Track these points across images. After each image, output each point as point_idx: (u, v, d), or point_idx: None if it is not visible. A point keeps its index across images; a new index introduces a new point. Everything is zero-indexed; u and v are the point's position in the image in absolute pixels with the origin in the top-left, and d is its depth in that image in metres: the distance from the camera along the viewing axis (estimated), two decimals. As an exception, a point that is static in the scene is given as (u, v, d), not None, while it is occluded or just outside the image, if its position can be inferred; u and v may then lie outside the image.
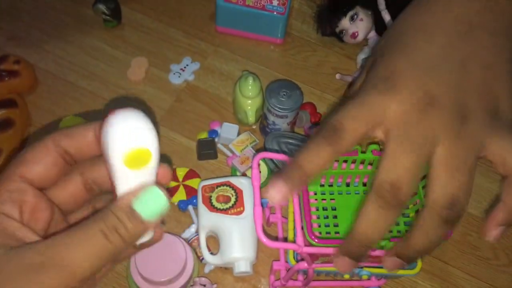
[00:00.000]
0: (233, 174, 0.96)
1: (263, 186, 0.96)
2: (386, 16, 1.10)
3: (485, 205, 0.98)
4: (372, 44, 1.12)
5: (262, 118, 1.00)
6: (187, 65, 1.11)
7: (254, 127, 1.03)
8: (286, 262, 0.79)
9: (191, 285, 0.81)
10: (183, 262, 0.80)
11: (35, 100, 1.04)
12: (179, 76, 1.09)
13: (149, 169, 0.37)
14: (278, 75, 1.12)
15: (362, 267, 0.77)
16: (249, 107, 0.98)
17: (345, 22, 1.12)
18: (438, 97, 0.42)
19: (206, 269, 0.86)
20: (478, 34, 0.45)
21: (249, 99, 0.97)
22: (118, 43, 1.14)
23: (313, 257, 0.71)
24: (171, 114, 1.05)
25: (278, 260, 0.82)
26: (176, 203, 0.92)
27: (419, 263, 0.76)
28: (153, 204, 0.38)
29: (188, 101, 1.07)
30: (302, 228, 0.68)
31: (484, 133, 0.42)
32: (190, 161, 0.99)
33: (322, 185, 0.84)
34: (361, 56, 1.13)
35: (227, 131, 0.99)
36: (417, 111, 0.42)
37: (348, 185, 0.84)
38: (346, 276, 0.84)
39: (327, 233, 0.79)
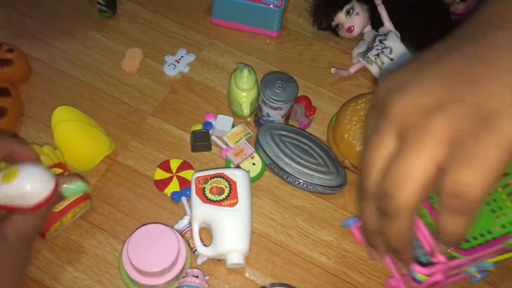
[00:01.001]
0: (227, 166, 0.96)
1: (257, 179, 0.96)
2: (382, 11, 1.10)
3: None
4: (369, 38, 1.12)
5: (256, 110, 1.00)
6: (182, 56, 1.10)
7: (248, 119, 1.02)
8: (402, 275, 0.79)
9: (184, 276, 0.81)
10: (175, 253, 0.79)
11: (28, 89, 1.03)
12: (174, 68, 1.08)
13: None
14: (273, 68, 1.11)
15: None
16: (244, 99, 0.98)
17: (341, 16, 1.12)
18: None
19: (199, 261, 0.86)
20: None
21: (244, 91, 0.97)
22: (112, 33, 1.13)
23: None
24: (165, 106, 1.04)
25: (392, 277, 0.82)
26: (169, 195, 0.92)
27: None
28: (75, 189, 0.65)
29: (182, 93, 1.06)
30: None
31: None
32: (184, 153, 0.98)
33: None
34: (357, 51, 1.13)
35: (222, 123, 0.99)
36: None
37: None
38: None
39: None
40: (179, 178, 0.94)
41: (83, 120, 0.94)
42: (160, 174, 0.94)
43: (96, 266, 0.85)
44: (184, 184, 0.93)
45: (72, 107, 0.95)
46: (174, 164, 0.95)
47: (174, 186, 0.93)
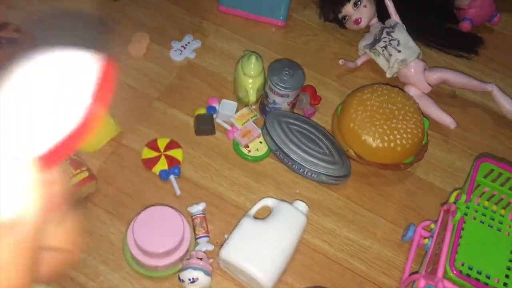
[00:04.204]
0: (235, 147, 0.97)
1: (260, 159, 0.97)
2: (389, 3, 1.11)
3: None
4: (375, 30, 1.12)
5: (262, 97, 1.00)
6: (188, 42, 1.10)
7: (254, 106, 1.03)
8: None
9: (188, 258, 0.81)
10: (180, 235, 0.80)
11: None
12: (180, 53, 1.08)
13: None
14: (278, 57, 1.11)
15: None
16: (251, 86, 0.98)
17: (348, 8, 1.12)
18: None
19: (203, 248, 0.86)
20: None
21: (251, 77, 0.97)
22: (120, 17, 1.12)
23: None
24: (171, 90, 1.04)
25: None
26: (157, 173, 0.92)
27: None
28: None
29: (188, 78, 1.06)
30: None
31: None
32: (188, 137, 0.98)
33: (482, 222, 0.80)
34: (363, 43, 1.13)
35: (226, 107, 0.99)
36: None
37: None
38: None
39: (467, 274, 0.75)
40: (167, 156, 0.94)
41: (90, 102, 0.94)
42: (147, 153, 0.94)
43: (100, 246, 0.85)
44: (172, 162, 0.93)
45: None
46: (162, 143, 0.96)
47: (162, 165, 0.93)
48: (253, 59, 0.96)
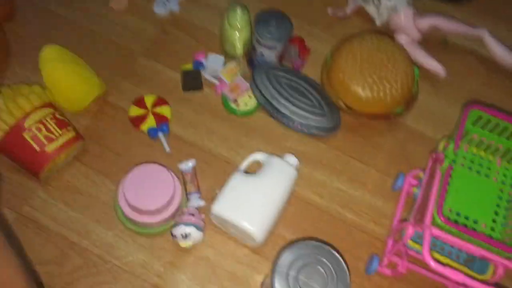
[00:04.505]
0: (224, 103, 0.96)
1: (250, 114, 0.96)
2: None
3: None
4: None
5: (250, 50, 0.98)
6: (172, -5, 1.07)
7: (241, 60, 1.01)
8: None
9: (180, 215, 0.82)
10: (171, 192, 0.80)
11: (14, 28, 0.99)
12: (164, 6, 1.05)
13: None
14: (265, 8, 1.08)
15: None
16: (237, 39, 0.96)
17: (336, -46, 1.09)
18: None
19: (194, 204, 0.86)
20: None
21: (237, 30, 0.95)
22: (99, -30, 1.08)
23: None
24: (156, 46, 1.02)
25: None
26: (145, 131, 0.92)
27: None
28: None
29: (173, 33, 1.04)
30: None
31: None
32: (175, 93, 0.97)
33: (470, 168, 0.80)
34: (351, -10, 1.10)
35: (213, 62, 0.98)
36: None
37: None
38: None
39: (455, 220, 0.76)
40: (154, 114, 0.93)
41: (72, 60, 0.92)
42: (135, 111, 0.93)
43: (91, 205, 0.85)
44: (160, 120, 0.92)
45: (60, 47, 0.93)
46: (149, 100, 0.94)
47: (150, 122, 0.92)
48: (238, 10, 0.93)
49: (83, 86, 0.91)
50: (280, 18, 0.93)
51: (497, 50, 1.07)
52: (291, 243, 0.69)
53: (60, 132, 0.84)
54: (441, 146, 0.80)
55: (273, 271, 0.67)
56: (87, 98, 0.92)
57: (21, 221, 0.82)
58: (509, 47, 1.08)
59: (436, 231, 0.69)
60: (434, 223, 0.70)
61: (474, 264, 0.83)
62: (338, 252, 0.69)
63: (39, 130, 0.83)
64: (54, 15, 1.02)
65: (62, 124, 0.85)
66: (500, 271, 0.72)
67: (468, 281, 0.66)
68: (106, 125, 0.92)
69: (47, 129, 0.83)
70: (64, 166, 0.88)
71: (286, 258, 0.68)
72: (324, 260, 0.68)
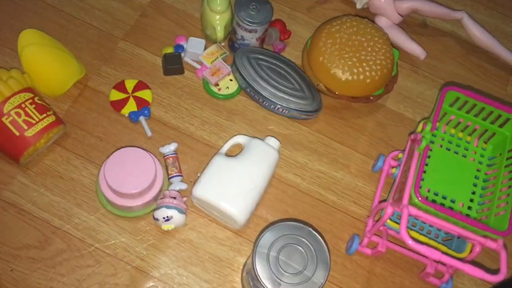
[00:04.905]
0: (205, 86, 0.96)
1: (231, 97, 0.96)
2: None
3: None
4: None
5: (231, 33, 0.98)
6: (152, -22, 1.06)
7: (223, 44, 1.01)
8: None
9: (162, 198, 0.82)
10: (152, 175, 0.80)
11: (-10, 12, 0.98)
12: (144, -10, 1.04)
13: None
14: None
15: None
16: (218, 22, 0.95)
17: None
18: None
19: (176, 187, 0.86)
20: None
21: (218, 13, 0.95)
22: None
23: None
24: (136, 30, 1.01)
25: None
26: (126, 115, 0.92)
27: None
28: None
29: (154, 17, 1.03)
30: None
31: None
32: (156, 77, 0.97)
33: (448, 149, 0.82)
34: (332, -27, 1.10)
35: (194, 45, 0.97)
36: None
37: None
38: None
39: (433, 200, 0.78)
40: (135, 98, 0.93)
41: (51, 44, 0.91)
42: (115, 95, 0.93)
43: (73, 190, 0.85)
44: (141, 103, 0.92)
45: (39, 31, 0.92)
46: (130, 84, 0.94)
47: (131, 106, 0.92)
48: (218, -7, 0.93)
49: (63, 70, 0.90)
50: (260, 1, 0.92)
51: (475, 32, 1.08)
52: (271, 224, 0.70)
53: (40, 116, 0.83)
54: (419, 127, 0.81)
55: (253, 251, 0.68)
56: (67, 83, 0.91)
57: (1, 206, 0.82)
58: (486, 29, 1.09)
59: (414, 210, 0.70)
60: (411, 203, 0.71)
61: (452, 242, 0.85)
62: (318, 232, 0.70)
63: (19, 115, 0.82)
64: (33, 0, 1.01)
65: (42, 108, 0.85)
66: (477, 249, 0.74)
67: (444, 258, 0.68)
68: (86, 110, 0.92)
69: (27, 114, 0.82)
70: (44, 151, 0.87)
71: (267, 238, 0.68)
72: (305, 240, 0.69)
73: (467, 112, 0.81)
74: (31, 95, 0.85)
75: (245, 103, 0.97)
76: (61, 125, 0.86)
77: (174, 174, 0.87)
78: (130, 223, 0.84)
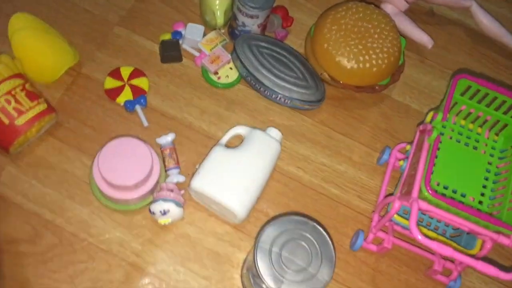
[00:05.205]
0: (204, 75, 0.92)
1: (231, 86, 0.92)
2: None
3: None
4: None
5: (231, 20, 0.94)
6: (149, -38, 1.02)
7: (222, 30, 0.97)
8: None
9: (159, 191, 0.79)
10: (149, 166, 0.76)
11: (-21, -5, 0.94)
12: (140, -26, 1.00)
13: None
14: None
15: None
16: (218, 7, 0.91)
17: None
18: None
19: (173, 179, 0.83)
20: None
21: (218, -2, 0.91)
22: None
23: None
24: (133, 15, 0.97)
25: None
26: (122, 104, 0.88)
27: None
28: None
29: (150, 1, 0.99)
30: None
31: None
32: (153, 65, 0.93)
33: (458, 141, 0.79)
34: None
35: (192, 32, 0.93)
36: None
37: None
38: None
39: (442, 194, 0.74)
40: (131, 86, 0.89)
41: (43, 29, 0.87)
42: (110, 83, 0.89)
43: (66, 181, 0.81)
44: (137, 92, 0.88)
45: (30, 15, 0.87)
46: (125, 71, 0.90)
47: (126, 95, 0.88)
48: (218, -23, 0.89)
49: (55, 55, 0.86)
50: (262, -15, 0.88)
51: (484, 20, 1.05)
52: (273, 218, 0.66)
53: (31, 104, 0.79)
54: (428, 117, 0.78)
55: (255, 247, 0.64)
56: (60, 69, 0.87)
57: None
58: (495, 17, 1.06)
59: (424, 205, 0.67)
60: (421, 196, 0.68)
61: (461, 238, 0.82)
62: (322, 227, 0.66)
63: (8, 102, 0.78)
64: (23, -18, 0.96)
65: (33, 96, 0.81)
66: (488, 245, 0.71)
67: (457, 255, 0.65)
68: (80, 98, 0.88)
69: (17, 101, 0.78)
70: (36, 140, 0.83)
71: (269, 233, 0.65)
72: (308, 235, 0.65)
73: (479, 101, 0.77)
74: (22, 81, 0.81)
75: (246, 92, 0.93)
76: (53, 113, 0.83)
77: (172, 166, 0.83)
78: (125, 217, 0.80)
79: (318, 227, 0.66)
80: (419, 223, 0.84)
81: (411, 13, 1.05)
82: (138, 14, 0.97)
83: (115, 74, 0.89)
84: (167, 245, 0.79)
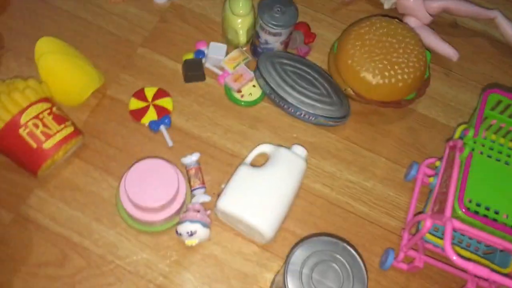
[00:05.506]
0: (227, 93, 0.92)
1: (255, 104, 0.92)
2: None
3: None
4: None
5: (253, 37, 0.94)
6: (170, -18, 1.03)
7: (244, 48, 0.97)
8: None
9: (185, 211, 0.78)
10: (175, 188, 0.76)
11: (6, 20, 0.95)
12: (162, -6, 1.01)
13: None
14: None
15: None
16: (240, 26, 0.92)
17: None
18: None
19: (199, 199, 0.82)
20: None
21: (240, 17, 0.91)
22: (94, -42, 1.04)
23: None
24: (155, 36, 0.97)
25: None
26: (146, 124, 0.88)
27: None
28: None
29: (173, 22, 1.00)
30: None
31: None
32: (177, 85, 0.93)
33: (489, 156, 0.75)
34: (357, -27, 1.06)
35: (215, 51, 0.93)
36: None
37: None
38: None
39: (475, 211, 0.71)
40: (155, 106, 0.89)
41: (68, 52, 0.88)
42: (135, 104, 0.89)
43: (92, 203, 0.81)
44: (162, 112, 0.89)
45: (55, 38, 0.89)
46: (150, 92, 0.90)
47: (151, 115, 0.88)
48: (240, -4, 0.89)
49: (81, 79, 0.87)
50: (284, 3, 0.88)
51: (509, 31, 1.03)
52: (304, 239, 0.65)
53: (58, 127, 0.80)
54: (458, 133, 0.76)
55: (285, 269, 0.63)
56: (85, 92, 0.88)
57: (19, 222, 0.79)
58: (523, 28, 1.04)
59: (458, 224, 0.65)
60: (454, 215, 0.66)
61: (495, 256, 0.79)
62: (353, 248, 0.65)
63: (36, 126, 0.79)
64: (48, 6, 0.98)
65: (60, 119, 0.81)
66: (524, 263, 0.69)
67: (494, 276, 0.63)
68: (105, 119, 0.88)
69: (44, 125, 0.79)
70: (63, 163, 0.84)
71: (299, 255, 0.64)
72: (339, 256, 0.64)
73: (510, 116, 0.75)
74: (49, 105, 0.81)
75: (269, 109, 0.93)
76: (79, 136, 0.83)
77: (197, 186, 0.82)
78: (152, 238, 0.80)
79: (349, 248, 0.65)
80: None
81: (435, 25, 1.04)
82: (160, 35, 0.98)
83: (139, 95, 0.90)
84: (194, 266, 0.79)
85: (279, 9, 0.87)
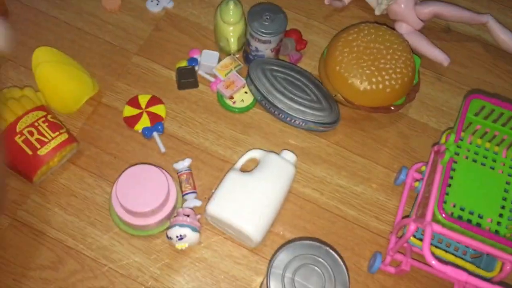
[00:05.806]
0: (219, 99, 0.93)
1: (247, 110, 0.94)
2: None
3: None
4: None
5: (245, 45, 0.96)
6: (165, -9, 1.05)
7: (237, 55, 0.98)
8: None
9: (175, 216, 0.80)
10: (165, 193, 0.78)
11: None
12: (157, 4, 1.03)
13: None
14: (260, 1, 1.06)
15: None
16: (231, 34, 0.93)
17: None
18: None
19: (190, 204, 0.84)
20: None
21: (231, 25, 0.93)
22: (91, -31, 1.07)
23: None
24: (150, 44, 1.00)
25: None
26: (140, 131, 0.90)
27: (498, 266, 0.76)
28: None
29: (167, 30, 1.02)
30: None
31: None
32: (171, 92, 0.95)
33: (474, 161, 0.77)
34: (349, -20, 1.07)
35: (208, 58, 0.95)
36: None
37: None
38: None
39: (459, 216, 0.73)
40: (149, 113, 0.91)
41: (64, 61, 0.90)
42: (129, 111, 0.91)
43: (87, 208, 0.84)
44: (155, 119, 0.91)
45: (52, 48, 0.91)
46: (143, 99, 0.92)
47: (144, 122, 0.90)
48: (231, 5, 0.91)
49: (76, 87, 0.89)
50: (273, 11, 0.90)
51: (502, 36, 1.03)
52: (286, 243, 0.67)
53: (53, 135, 0.83)
54: (443, 138, 0.77)
55: (268, 273, 0.65)
56: (81, 99, 0.90)
57: (16, 226, 0.81)
58: (514, 32, 1.04)
59: (438, 228, 0.66)
60: (435, 219, 0.67)
61: (481, 260, 0.80)
62: (336, 252, 0.66)
63: (31, 133, 0.81)
64: (45, 16, 1.01)
65: (55, 126, 0.84)
66: (507, 268, 0.70)
67: (471, 280, 0.64)
68: (100, 127, 0.91)
69: (39, 133, 0.82)
70: (58, 169, 0.86)
71: (282, 259, 0.65)
72: (322, 260, 0.65)
73: (494, 121, 0.76)
74: (44, 113, 0.84)
75: (261, 115, 0.94)
76: (74, 143, 0.86)
77: (188, 191, 0.84)
78: (144, 242, 0.82)
79: (331, 251, 0.66)
80: (438, 245, 0.82)
81: (428, 30, 1.05)
82: (155, 43, 1.00)
83: (133, 102, 0.92)
84: (184, 269, 0.80)
85: (268, 17, 0.89)
